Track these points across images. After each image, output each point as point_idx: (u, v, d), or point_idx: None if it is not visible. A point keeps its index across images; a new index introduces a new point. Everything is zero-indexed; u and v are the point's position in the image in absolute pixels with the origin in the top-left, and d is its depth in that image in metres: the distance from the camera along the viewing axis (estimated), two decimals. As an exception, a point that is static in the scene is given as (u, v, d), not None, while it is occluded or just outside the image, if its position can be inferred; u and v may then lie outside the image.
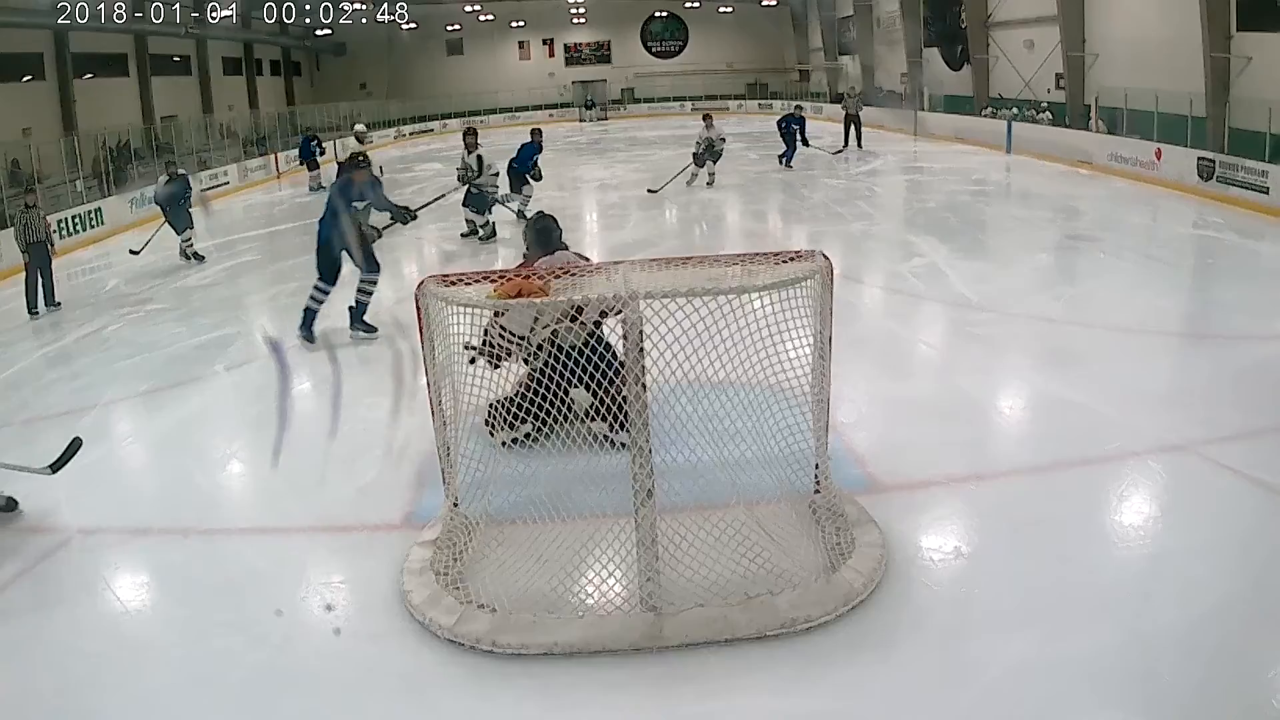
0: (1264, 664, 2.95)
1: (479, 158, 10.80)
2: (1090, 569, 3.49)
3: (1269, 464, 4.18)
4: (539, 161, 11.84)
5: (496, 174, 11.07)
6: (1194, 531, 3.74)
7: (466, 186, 10.97)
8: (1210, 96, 13.96)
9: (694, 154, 14.47)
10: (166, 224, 11.16)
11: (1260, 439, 4.49)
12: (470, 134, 11.14)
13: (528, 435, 4.27)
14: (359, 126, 15.19)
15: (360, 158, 7.29)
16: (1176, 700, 2.79)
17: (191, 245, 11.10)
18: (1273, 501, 3.96)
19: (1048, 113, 19.08)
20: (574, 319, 3.86)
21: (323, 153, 18.63)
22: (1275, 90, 12.57)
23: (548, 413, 3.60)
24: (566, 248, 5.06)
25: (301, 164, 18.83)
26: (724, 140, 14.58)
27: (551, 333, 3.92)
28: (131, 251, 11.50)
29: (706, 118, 14.65)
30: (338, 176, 7.32)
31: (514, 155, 11.83)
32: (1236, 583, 3.34)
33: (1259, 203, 11.13)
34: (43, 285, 8.97)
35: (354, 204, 7.04)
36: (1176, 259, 9.35)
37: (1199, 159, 12.47)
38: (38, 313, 8.81)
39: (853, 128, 19.26)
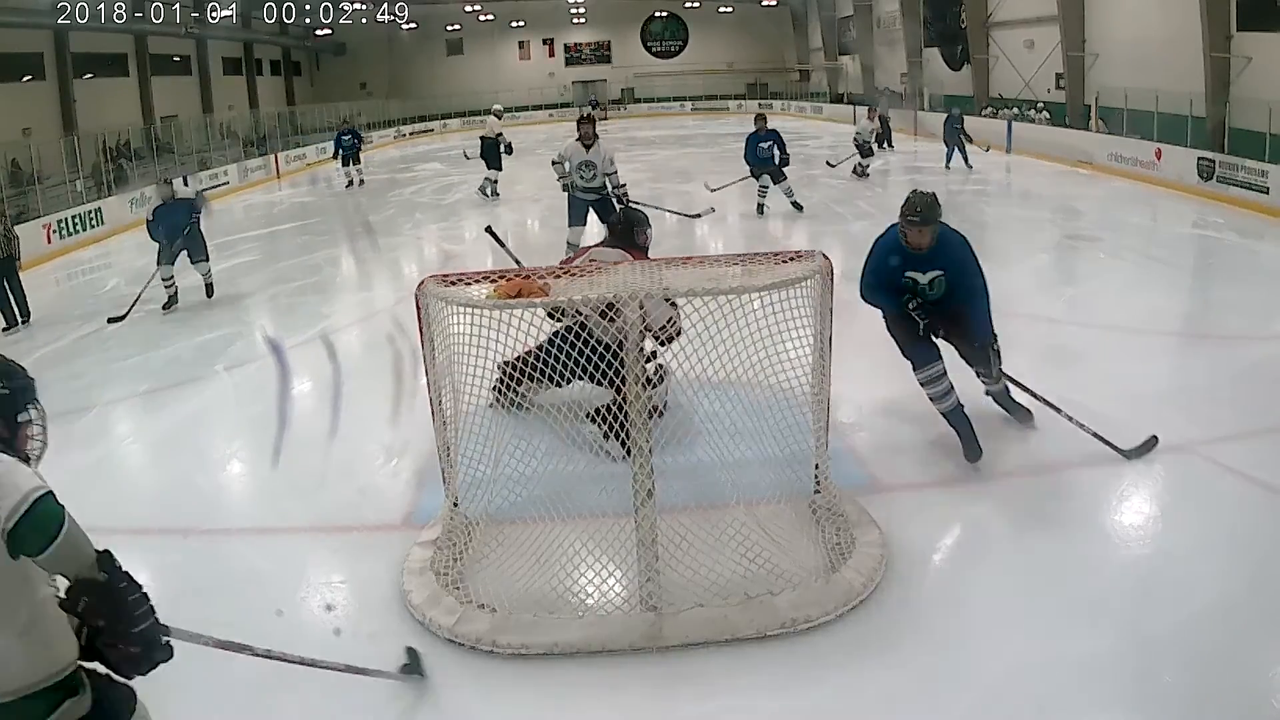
0: (1264, 664, 2.95)
1: (600, 153, 8.59)
2: (1090, 569, 3.48)
3: (1269, 464, 4.18)
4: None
5: (615, 171, 8.74)
6: (1194, 531, 3.74)
7: (598, 195, 8.65)
8: (1210, 96, 13.98)
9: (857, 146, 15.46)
10: (188, 258, 8.59)
11: (1260, 439, 4.49)
12: (588, 122, 8.76)
13: (516, 400, 4.14)
14: (497, 106, 15.04)
15: None
16: (1176, 700, 2.79)
17: (209, 276, 8.79)
18: (1273, 501, 3.96)
19: (1045, 112, 19.07)
20: (607, 314, 3.75)
21: (362, 144, 17.83)
22: (1275, 90, 12.59)
23: (537, 381, 3.53)
24: (636, 246, 4.93)
25: (335, 157, 17.64)
26: (874, 131, 15.59)
27: (584, 317, 3.83)
28: (111, 320, 8.21)
29: (870, 110, 16.02)
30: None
31: (743, 151, 11.82)
32: (1236, 583, 3.34)
33: (1259, 203, 11.13)
34: (15, 301, 8.33)
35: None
36: (1176, 259, 9.34)
37: (1199, 159, 12.47)
38: (16, 328, 8.15)
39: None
